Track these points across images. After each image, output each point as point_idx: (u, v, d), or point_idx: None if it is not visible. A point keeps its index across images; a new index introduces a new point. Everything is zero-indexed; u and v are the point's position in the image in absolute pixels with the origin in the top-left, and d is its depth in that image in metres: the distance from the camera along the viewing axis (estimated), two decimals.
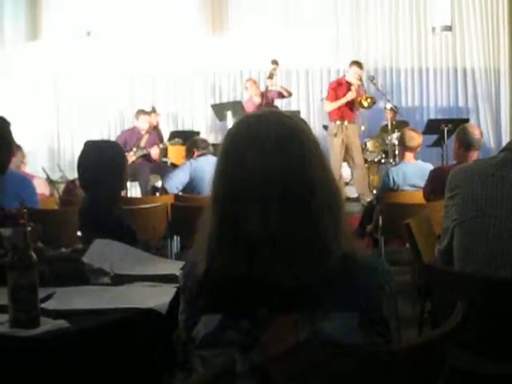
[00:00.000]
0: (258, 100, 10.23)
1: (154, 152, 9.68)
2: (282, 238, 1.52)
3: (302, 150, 1.58)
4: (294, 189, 1.54)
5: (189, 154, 7.11)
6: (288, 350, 1.48)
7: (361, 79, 9.54)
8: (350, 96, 9.33)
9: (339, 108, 9.38)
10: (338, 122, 9.39)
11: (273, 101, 10.25)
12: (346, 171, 10.08)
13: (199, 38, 11.75)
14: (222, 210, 1.58)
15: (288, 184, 1.54)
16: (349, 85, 9.45)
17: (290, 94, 10.53)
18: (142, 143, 9.79)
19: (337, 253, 1.55)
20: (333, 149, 9.46)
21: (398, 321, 1.62)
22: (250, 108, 10.04)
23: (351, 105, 9.45)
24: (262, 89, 10.34)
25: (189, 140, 7.58)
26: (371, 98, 9.52)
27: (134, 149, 9.71)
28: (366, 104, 9.41)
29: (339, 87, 9.51)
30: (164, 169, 9.82)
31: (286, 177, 1.54)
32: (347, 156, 9.55)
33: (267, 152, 1.55)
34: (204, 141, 7.27)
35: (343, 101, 9.33)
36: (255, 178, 1.54)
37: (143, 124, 9.85)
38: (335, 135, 9.39)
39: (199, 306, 1.60)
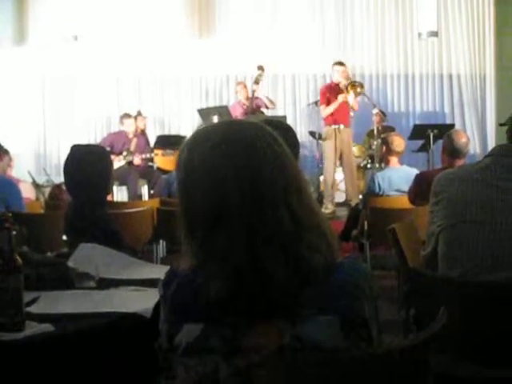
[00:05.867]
0: (246, 104, 10.23)
1: (137, 162, 9.70)
2: (265, 256, 1.52)
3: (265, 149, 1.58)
4: (267, 196, 1.54)
5: None
6: (270, 356, 1.48)
7: (348, 77, 9.55)
8: (342, 99, 9.32)
9: (333, 112, 9.36)
10: (333, 126, 9.36)
11: (259, 108, 10.24)
12: (340, 176, 10.04)
13: (186, 43, 11.77)
14: (202, 234, 1.58)
15: (261, 189, 1.54)
16: (338, 87, 9.45)
17: (273, 106, 10.51)
18: (132, 147, 9.79)
19: (317, 257, 1.55)
20: (326, 153, 9.47)
21: (380, 324, 1.62)
22: (238, 111, 10.05)
23: (345, 108, 9.44)
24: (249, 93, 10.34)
25: None
26: (360, 85, 9.55)
27: (124, 153, 9.71)
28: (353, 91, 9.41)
29: (330, 91, 9.50)
30: (150, 174, 9.82)
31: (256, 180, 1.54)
32: (340, 160, 9.53)
33: (235, 155, 1.55)
34: None
35: (336, 104, 9.32)
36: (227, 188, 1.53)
37: (129, 127, 9.85)
38: (329, 139, 9.39)
39: (180, 316, 1.59)
